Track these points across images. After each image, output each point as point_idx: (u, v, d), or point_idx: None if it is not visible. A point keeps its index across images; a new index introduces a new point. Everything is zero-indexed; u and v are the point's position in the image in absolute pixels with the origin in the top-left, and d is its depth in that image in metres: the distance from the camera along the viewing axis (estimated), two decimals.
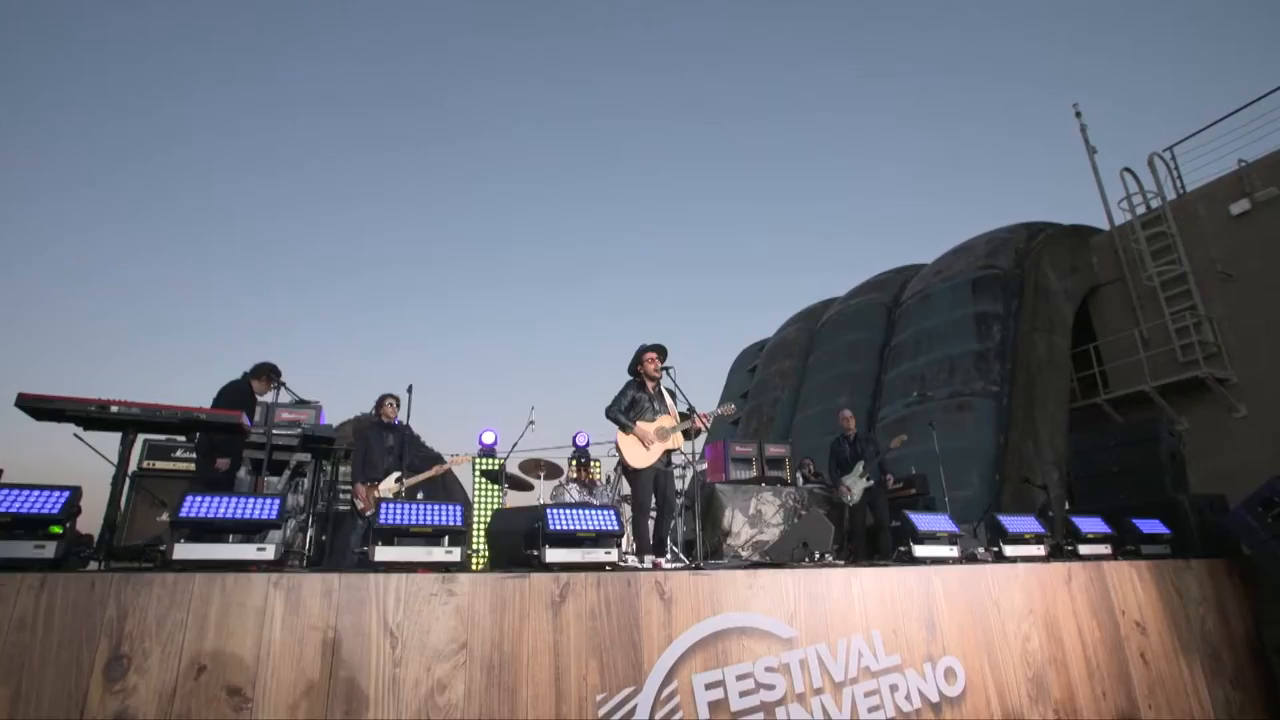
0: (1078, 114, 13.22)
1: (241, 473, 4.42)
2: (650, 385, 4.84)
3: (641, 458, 4.61)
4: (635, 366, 4.87)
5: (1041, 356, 10.68)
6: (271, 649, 2.46)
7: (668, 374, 4.81)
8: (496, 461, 7.25)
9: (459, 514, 2.99)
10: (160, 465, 5.11)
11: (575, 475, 6.67)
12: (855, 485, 6.73)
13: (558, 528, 3.15)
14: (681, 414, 4.86)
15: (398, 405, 6.04)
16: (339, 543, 5.86)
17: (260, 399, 4.28)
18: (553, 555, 3.12)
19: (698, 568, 3.43)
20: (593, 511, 3.28)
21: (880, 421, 13.18)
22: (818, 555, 3.97)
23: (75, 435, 4.02)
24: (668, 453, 4.74)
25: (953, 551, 4.23)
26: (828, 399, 15.48)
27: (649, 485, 4.66)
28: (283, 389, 4.19)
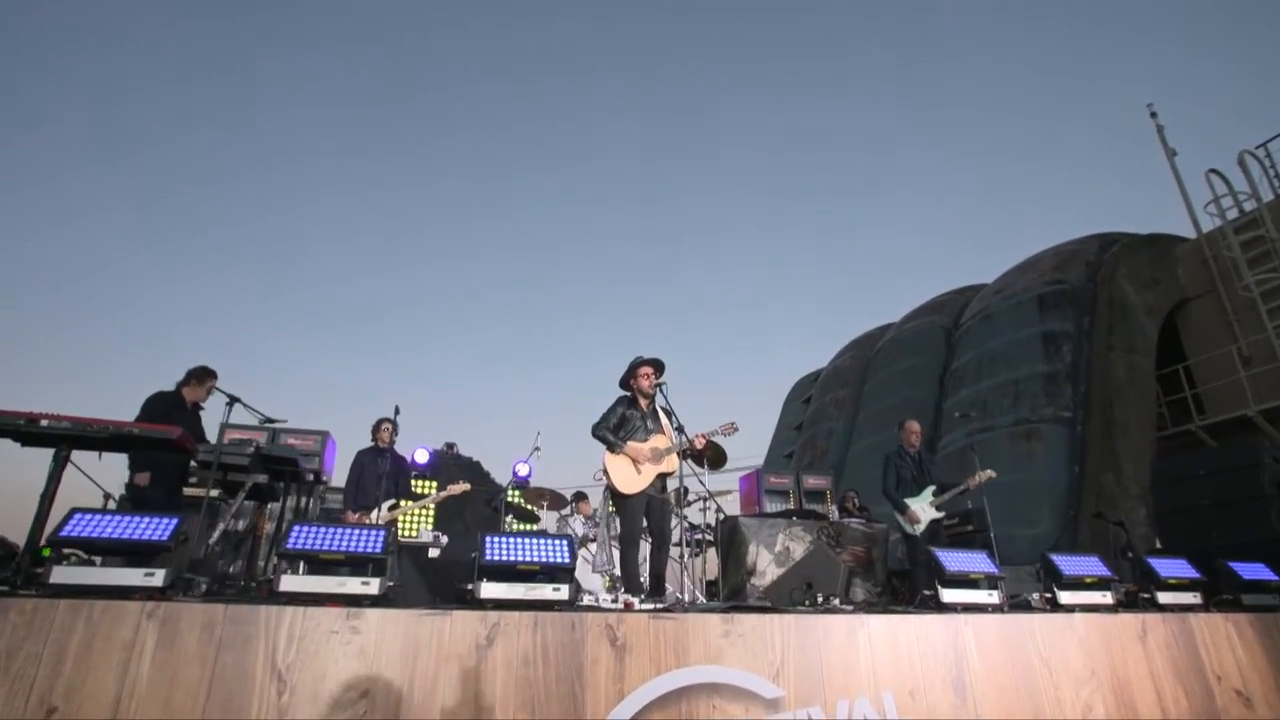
0: (1153, 115, 12.15)
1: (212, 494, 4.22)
2: (644, 402, 4.41)
3: (632, 482, 4.16)
4: (627, 380, 4.46)
5: (1120, 378, 9.55)
6: (136, 689, 2.15)
7: (661, 391, 4.38)
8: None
9: (379, 540, 2.64)
10: None
11: (587, 508, 6.25)
12: (924, 513, 5.93)
13: (495, 558, 2.75)
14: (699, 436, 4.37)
15: (394, 430, 5.83)
16: None
17: (202, 405, 4.12)
18: (489, 590, 2.71)
19: (661, 609, 2.95)
20: (540, 541, 2.87)
21: (941, 451, 12.17)
22: (820, 598, 3.38)
23: (66, 460, 3.95)
24: (662, 477, 4.28)
25: (991, 597, 3.54)
26: (884, 428, 14.55)
27: (639, 513, 4.19)
28: (237, 404, 4.01)
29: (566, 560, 2.82)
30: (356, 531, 2.65)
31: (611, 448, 4.21)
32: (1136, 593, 4.18)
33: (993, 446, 10.41)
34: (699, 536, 6.69)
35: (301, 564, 2.59)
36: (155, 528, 2.43)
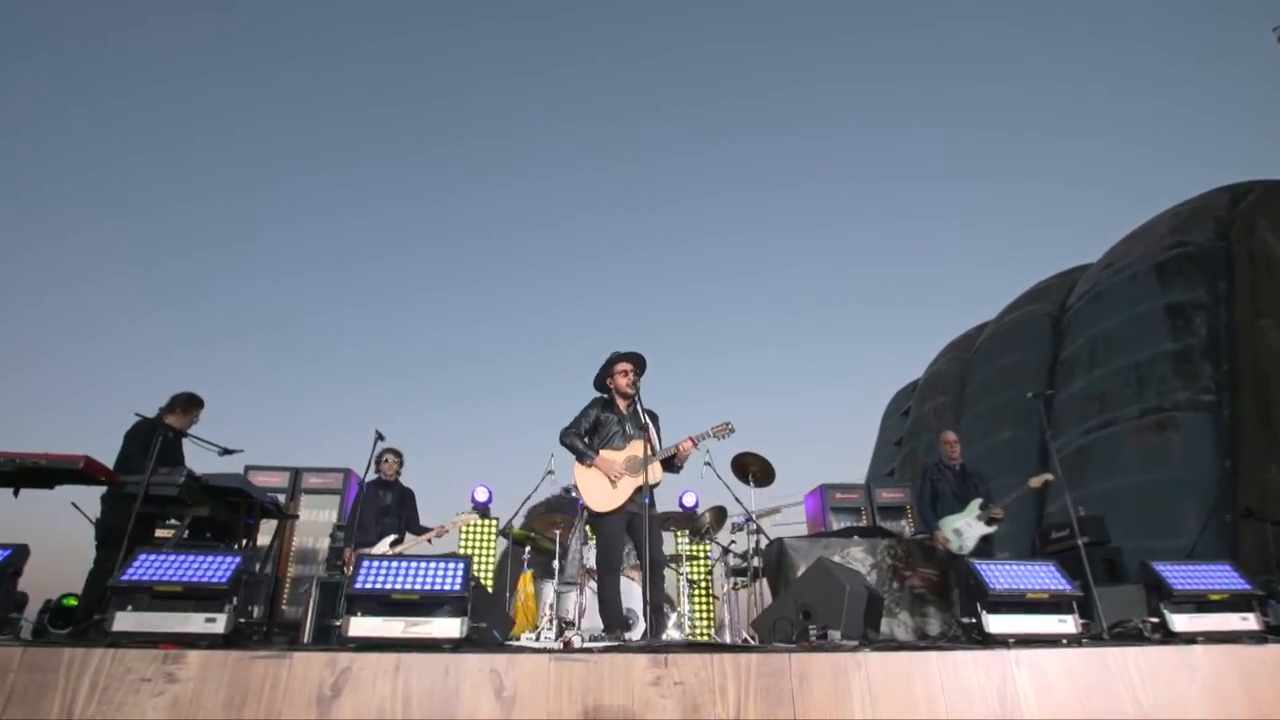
0: None
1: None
2: (622, 404, 3.84)
3: (606, 497, 3.57)
4: (603, 380, 3.91)
5: (1275, 348, 7.77)
6: None
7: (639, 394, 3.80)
8: (492, 521, 6.48)
9: (227, 569, 2.24)
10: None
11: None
12: (970, 529, 4.95)
13: (365, 585, 2.26)
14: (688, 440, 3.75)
15: (400, 462, 5.57)
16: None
17: (190, 434, 3.96)
18: (359, 626, 2.22)
19: (568, 649, 2.32)
20: (426, 564, 2.36)
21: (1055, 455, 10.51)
22: (814, 632, 2.60)
23: (73, 504, 3.94)
24: (645, 489, 3.63)
25: (1064, 624, 2.61)
26: (989, 434, 12.98)
27: (618, 535, 3.58)
28: (195, 439, 3.84)
29: (456, 587, 2.28)
30: (204, 560, 2.26)
31: (580, 458, 3.65)
32: None
33: (1116, 444, 8.80)
34: (742, 564, 5.89)
35: (144, 599, 2.22)
36: None
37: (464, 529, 7.83)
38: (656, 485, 3.67)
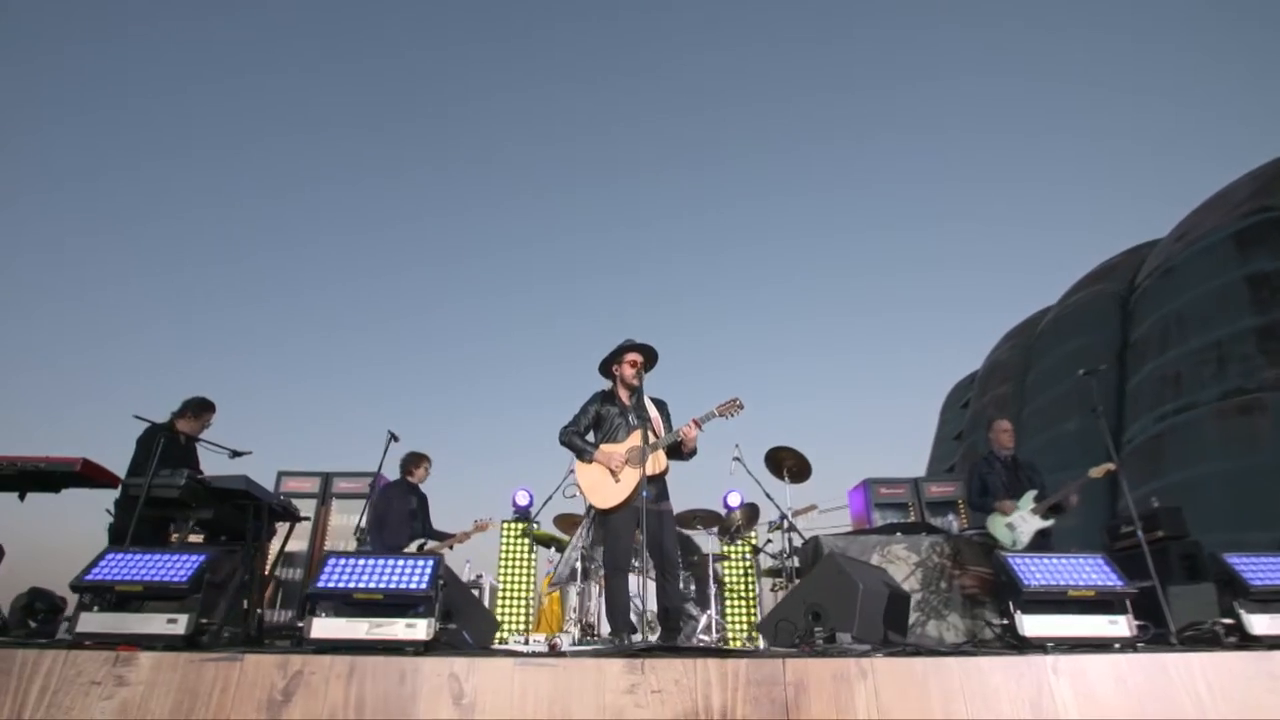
0: None
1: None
2: (625, 395, 3.65)
3: (609, 493, 3.39)
4: (610, 367, 3.72)
5: None
6: None
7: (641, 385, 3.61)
8: (521, 525, 6.35)
9: (188, 568, 2.16)
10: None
11: None
12: (1024, 524, 4.56)
13: (328, 585, 2.15)
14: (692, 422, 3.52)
15: (429, 469, 5.53)
16: None
17: (201, 439, 4.01)
18: (323, 628, 2.10)
19: (554, 652, 2.14)
20: (392, 562, 2.22)
21: (1127, 445, 9.72)
22: (821, 635, 2.33)
23: (106, 510, 4.04)
24: (655, 480, 3.42)
25: (1114, 626, 2.26)
26: (1053, 424, 12.21)
27: (626, 532, 3.39)
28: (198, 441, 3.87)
29: (422, 586, 2.14)
30: (168, 559, 2.19)
31: (581, 455, 3.48)
32: None
33: (1196, 429, 8.05)
34: (777, 564, 5.60)
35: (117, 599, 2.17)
36: None
37: (504, 533, 7.79)
38: (663, 475, 3.46)
